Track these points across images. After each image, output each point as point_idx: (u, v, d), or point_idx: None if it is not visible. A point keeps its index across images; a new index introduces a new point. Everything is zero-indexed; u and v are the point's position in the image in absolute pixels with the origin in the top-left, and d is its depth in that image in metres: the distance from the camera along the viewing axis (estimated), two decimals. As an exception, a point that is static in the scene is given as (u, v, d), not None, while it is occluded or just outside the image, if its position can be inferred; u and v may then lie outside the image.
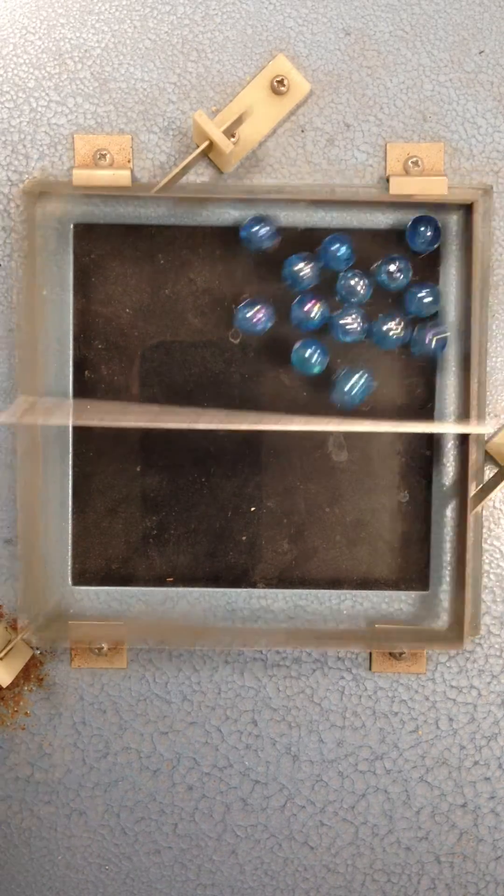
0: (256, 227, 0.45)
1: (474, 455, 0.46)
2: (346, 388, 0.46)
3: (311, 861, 0.50)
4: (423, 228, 0.46)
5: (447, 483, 0.49)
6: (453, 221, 0.47)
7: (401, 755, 0.49)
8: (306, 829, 0.50)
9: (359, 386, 0.46)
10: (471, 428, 0.46)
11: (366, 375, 0.46)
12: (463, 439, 0.48)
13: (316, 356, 0.46)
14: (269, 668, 0.49)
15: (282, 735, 0.49)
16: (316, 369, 0.46)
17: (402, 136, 0.48)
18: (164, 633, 0.49)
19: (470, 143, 0.47)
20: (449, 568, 0.49)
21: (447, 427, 0.48)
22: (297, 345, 0.46)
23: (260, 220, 0.46)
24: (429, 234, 0.46)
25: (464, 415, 0.47)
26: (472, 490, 0.46)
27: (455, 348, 0.48)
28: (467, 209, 0.47)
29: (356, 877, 0.50)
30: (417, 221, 0.46)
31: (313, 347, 0.46)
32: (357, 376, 0.46)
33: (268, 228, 0.45)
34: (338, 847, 0.50)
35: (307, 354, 0.46)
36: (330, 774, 0.49)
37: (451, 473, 0.49)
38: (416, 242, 0.46)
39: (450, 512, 0.49)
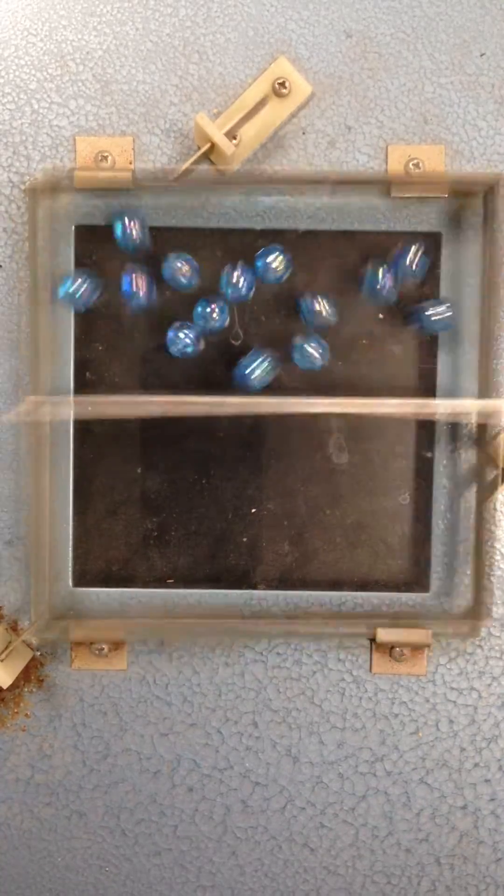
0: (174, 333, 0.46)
1: (495, 442, 0.46)
2: (248, 372, 0.46)
3: (311, 863, 0.50)
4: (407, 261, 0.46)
5: (447, 485, 0.48)
6: (477, 203, 0.47)
7: (401, 757, 0.49)
8: (306, 830, 0.50)
9: (261, 370, 0.46)
10: (494, 405, 0.46)
11: (269, 359, 0.46)
12: (463, 441, 0.48)
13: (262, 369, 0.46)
14: (270, 670, 0.49)
15: (282, 737, 0.49)
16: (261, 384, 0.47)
17: (403, 138, 0.48)
18: (164, 635, 0.49)
19: (471, 145, 0.47)
20: (449, 570, 0.49)
21: (468, 406, 0.48)
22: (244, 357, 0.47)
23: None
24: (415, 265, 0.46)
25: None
26: (474, 491, 0.46)
27: (455, 349, 0.48)
28: (488, 192, 0.46)
29: (356, 878, 0.50)
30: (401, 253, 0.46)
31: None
32: (261, 359, 0.46)
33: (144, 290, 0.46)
34: (338, 849, 0.50)
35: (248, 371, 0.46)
36: (330, 776, 0.49)
37: (452, 475, 0.48)
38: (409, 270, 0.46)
39: (450, 514, 0.49)
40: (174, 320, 0.47)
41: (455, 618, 0.49)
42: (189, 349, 0.46)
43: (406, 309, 0.47)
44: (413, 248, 0.46)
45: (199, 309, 0.46)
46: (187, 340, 0.46)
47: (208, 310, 0.46)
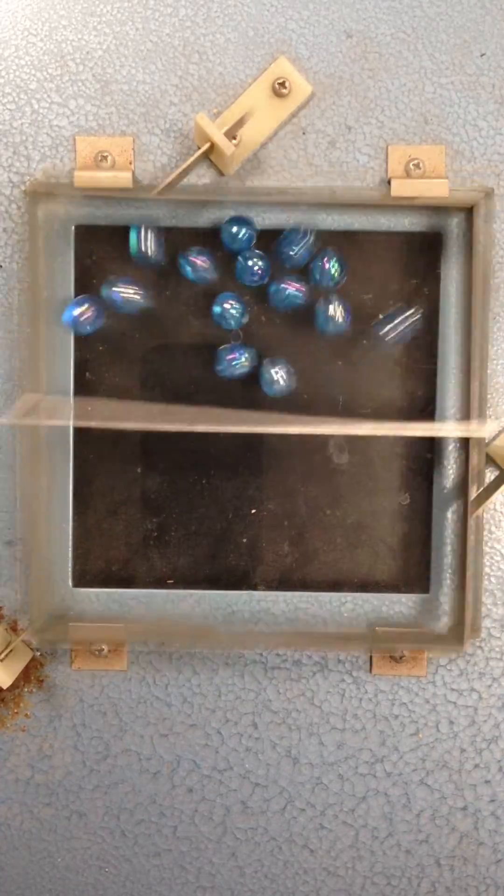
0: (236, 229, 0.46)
1: (475, 458, 0.46)
2: (268, 379, 0.46)
3: (311, 864, 0.50)
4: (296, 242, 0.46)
5: (448, 486, 0.49)
6: (454, 224, 0.47)
7: (401, 758, 0.49)
8: (306, 831, 0.50)
9: (282, 375, 0.46)
10: (471, 430, 0.46)
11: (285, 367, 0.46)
12: (464, 442, 0.48)
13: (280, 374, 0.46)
14: (270, 671, 0.49)
15: (282, 738, 0.49)
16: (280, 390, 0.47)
17: (403, 138, 0.47)
18: (164, 635, 0.49)
19: (471, 145, 0.47)
20: (449, 570, 0.49)
21: (448, 429, 0.48)
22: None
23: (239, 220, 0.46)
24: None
25: (465, 417, 0.47)
26: (473, 493, 0.46)
27: (456, 351, 0.48)
28: (468, 212, 0.47)
29: (356, 880, 0.50)
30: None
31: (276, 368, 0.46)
32: (277, 368, 0.46)
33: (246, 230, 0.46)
34: (338, 850, 0.50)
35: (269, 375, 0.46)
36: (330, 777, 0.49)
37: (452, 476, 0.48)
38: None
39: (450, 514, 0.49)
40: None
41: (441, 639, 0.48)
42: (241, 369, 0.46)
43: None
44: (326, 257, 0.46)
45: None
46: (243, 360, 0.46)
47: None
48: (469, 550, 0.46)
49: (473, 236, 0.46)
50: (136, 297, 0.46)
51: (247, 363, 0.46)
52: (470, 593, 0.46)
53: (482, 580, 0.48)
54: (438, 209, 0.47)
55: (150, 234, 0.46)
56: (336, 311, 0.46)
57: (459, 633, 0.47)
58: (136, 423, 0.48)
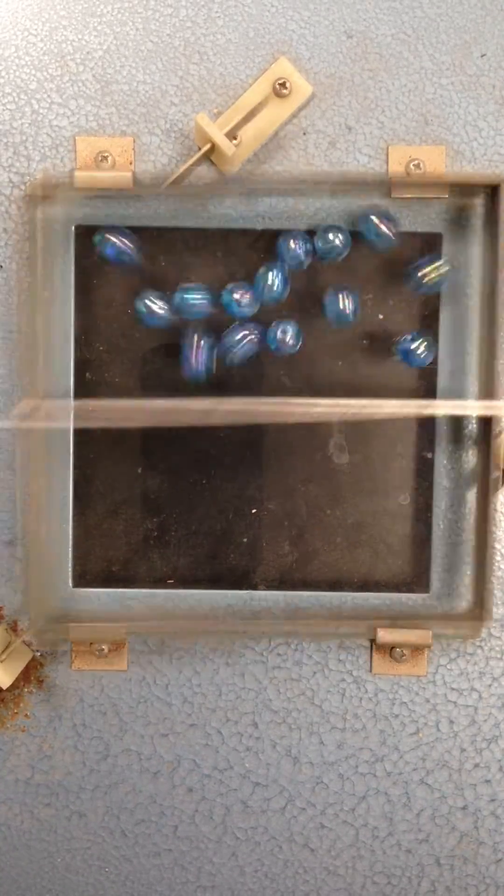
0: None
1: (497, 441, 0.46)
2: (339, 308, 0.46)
3: (311, 863, 0.50)
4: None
5: (448, 486, 0.49)
6: (479, 203, 0.47)
7: (401, 757, 0.49)
8: (306, 831, 0.50)
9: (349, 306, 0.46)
10: (494, 408, 0.46)
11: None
12: (464, 442, 0.48)
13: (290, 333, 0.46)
14: (270, 671, 0.49)
15: (282, 737, 0.49)
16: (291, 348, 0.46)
17: (403, 138, 0.48)
18: (164, 635, 0.49)
19: (472, 146, 0.47)
20: (450, 570, 0.49)
21: (472, 408, 0.48)
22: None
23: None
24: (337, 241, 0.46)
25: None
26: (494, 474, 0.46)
27: (456, 350, 0.48)
28: (491, 192, 0.46)
29: (356, 879, 0.50)
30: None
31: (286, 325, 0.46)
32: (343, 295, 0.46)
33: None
34: (338, 849, 0.50)
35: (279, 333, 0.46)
36: (330, 776, 0.49)
37: (452, 476, 0.48)
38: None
39: (451, 514, 0.49)
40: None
41: (456, 618, 0.49)
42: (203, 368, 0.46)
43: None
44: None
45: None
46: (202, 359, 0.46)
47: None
48: (485, 522, 0.46)
49: (499, 213, 0.45)
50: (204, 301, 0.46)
51: (255, 339, 0.46)
52: (489, 574, 0.46)
53: (493, 566, 0.48)
54: (463, 190, 0.47)
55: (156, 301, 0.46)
56: (345, 303, 0.46)
57: (461, 631, 0.47)
58: (136, 421, 0.48)
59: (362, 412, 0.47)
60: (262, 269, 0.46)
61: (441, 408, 0.48)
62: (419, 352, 0.46)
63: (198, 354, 0.46)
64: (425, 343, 0.46)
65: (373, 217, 0.46)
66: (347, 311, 0.46)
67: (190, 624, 0.48)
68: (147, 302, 0.46)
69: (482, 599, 0.47)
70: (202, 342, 0.46)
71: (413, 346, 0.46)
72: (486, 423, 0.47)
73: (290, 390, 0.48)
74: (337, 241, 0.46)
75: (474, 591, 0.48)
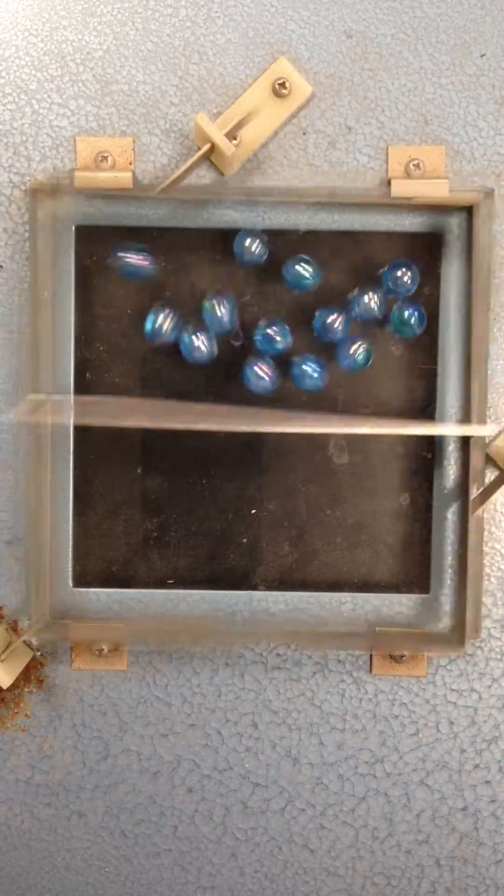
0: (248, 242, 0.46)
1: (475, 458, 0.46)
2: (350, 352, 0.46)
3: (311, 864, 0.50)
4: (399, 272, 0.46)
5: (448, 486, 0.49)
6: (455, 224, 0.47)
7: (401, 758, 0.49)
8: (306, 832, 0.50)
9: (361, 352, 0.46)
10: (472, 430, 0.46)
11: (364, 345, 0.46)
12: (464, 442, 0.48)
13: (310, 270, 0.46)
14: (270, 671, 0.49)
15: (282, 738, 0.49)
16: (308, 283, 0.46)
17: (403, 138, 0.48)
18: (164, 636, 0.49)
19: (471, 146, 0.47)
20: (450, 571, 0.49)
21: (448, 429, 0.48)
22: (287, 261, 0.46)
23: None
24: (406, 279, 0.46)
25: (465, 418, 0.47)
26: (474, 493, 0.46)
27: (456, 351, 0.48)
28: (468, 211, 0.47)
29: (356, 880, 0.50)
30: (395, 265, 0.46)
31: (303, 263, 0.46)
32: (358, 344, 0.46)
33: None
34: (338, 850, 0.50)
35: (299, 267, 0.46)
36: (330, 777, 0.49)
37: (453, 476, 0.48)
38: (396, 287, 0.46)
39: (451, 515, 0.49)
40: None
41: (439, 639, 0.48)
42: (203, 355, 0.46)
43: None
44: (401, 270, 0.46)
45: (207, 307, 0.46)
46: (202, 347, 0.46)
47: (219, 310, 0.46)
48: (470, 550, 0.46)
49: (473, 236, 0.46)
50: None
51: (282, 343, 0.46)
52: (470, 593, 0.46)
53: (482, 580, 0.48)
54: (438, 209, 0.47)
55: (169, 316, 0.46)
56: (372, 300, 0.46)
57: (460, 633, 0.47)
58: (137, 421, 0.48)
59: (361, 432, 0.47)
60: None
61: (441, 430, 0.48)
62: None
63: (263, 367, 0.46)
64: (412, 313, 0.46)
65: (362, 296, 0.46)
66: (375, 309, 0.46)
67: (190, 624, 0.48)
68: (192, 337, 0.46)
69: (461, 623, 0.47)
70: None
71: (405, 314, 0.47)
72: (466, 443, 0.47)
73: (289, 392, 0.48)
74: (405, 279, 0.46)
75: (453, 613, 0.48)
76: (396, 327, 0.47)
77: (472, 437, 0.46)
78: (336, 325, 0.46)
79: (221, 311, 0.45)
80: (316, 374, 0.46)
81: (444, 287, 0.48)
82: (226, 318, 0.46)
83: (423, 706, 0.49)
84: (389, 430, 0.47)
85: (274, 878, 0.50)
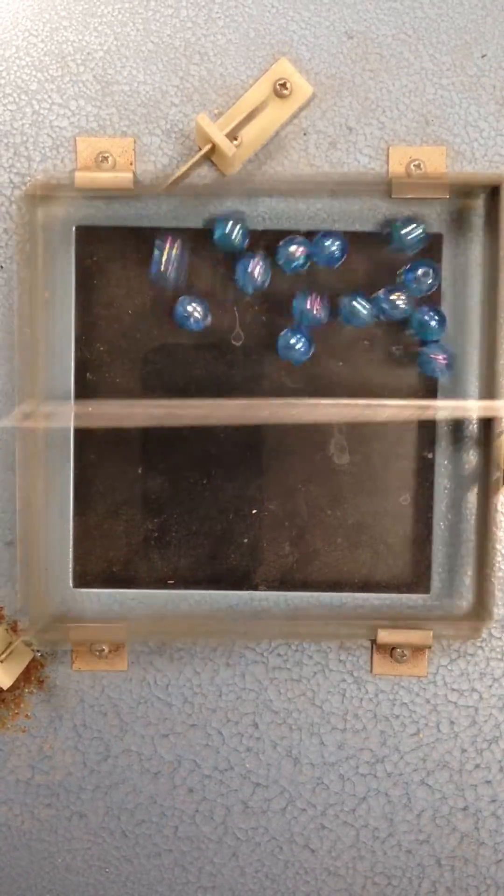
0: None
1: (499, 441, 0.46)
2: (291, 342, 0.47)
3: (311, 864, 0.50)
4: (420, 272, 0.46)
5: (448, 486, 0.48)
6: (479, 205, 0.47)
7: (402, 758, 0.49)
8: (307, 831, 0.50)
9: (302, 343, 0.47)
10: (495, 408, 0.46)
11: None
12: (464, 443, 0.48)
13: (301, 344, 0.46)
14: (270, 671, 0.49)
15: (283, 738, 0.49)
16: (302, 357, 0.47)
17: (404, 139, 0.48)
18: (165, 636, 0.49)
19: (472, 146, 0.47)
20: (450, 571, 0.49)
21: (470, 407, 0.48)
22: (282, 333, 0.47)
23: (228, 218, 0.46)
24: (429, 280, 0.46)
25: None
26: (494, 476, 0.46)
27: (456, 350, 0.48)
28: (493, 191, 0.46)
29: (357, 880, 0.50)
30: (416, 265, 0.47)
31: (298, 336, 0.46)
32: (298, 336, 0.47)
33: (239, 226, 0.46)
34: (338, 850, 0.50)
35: (292, 342, 0.46)
36: (331, 777, 0.49)
37: (453, 476, 0.48)
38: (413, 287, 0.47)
39: (451, 515, 0.49)
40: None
41: (456, 619, 0.49)
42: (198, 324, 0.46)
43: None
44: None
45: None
46: (196, 314, 0.46)
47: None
48: (486, 523, 0.46)
49: (500, 215, 0.45)
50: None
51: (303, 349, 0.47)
52: (488, 575, 0.46)
53: (494, 567, 0.48)
54: (464, 186, 0.47)
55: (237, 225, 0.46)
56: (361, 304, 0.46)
57: (479, 614, 0.47)
58: (137, 420, 0.48)
59: (363, 414, 0.47)
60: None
61: (442, 409, 0.48)
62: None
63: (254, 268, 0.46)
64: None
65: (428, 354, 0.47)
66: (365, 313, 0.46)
67: (190, 624, 0.48)
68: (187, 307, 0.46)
69: (483, 600, 0.47)
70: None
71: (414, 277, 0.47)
72: (487, 423, 0.47)
73: (291, 391, 0.48)
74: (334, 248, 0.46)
75: (475, 591, 0.48)
76: (418, 330, 0.47)
77: (494, 417, 0.46)
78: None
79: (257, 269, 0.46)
80: (366, 310, 0.47)
81: (444, 287, 0.48)
82: (258, 280, 0.46)
83: (424, 706, 0.49)
84: (411, 408, 0.47)
85: (275, 878, 0.50)
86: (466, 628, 0.48)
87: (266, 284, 0.47)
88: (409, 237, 0.46)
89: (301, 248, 0.46)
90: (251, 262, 0.46)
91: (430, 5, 0.47)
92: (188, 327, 0.47)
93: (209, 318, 0.47)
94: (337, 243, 0.46)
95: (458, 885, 0.50)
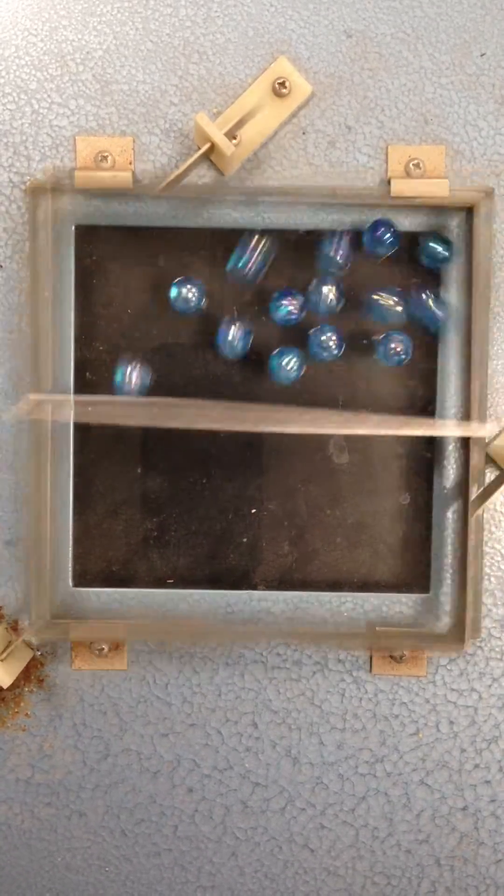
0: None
1: (475, 457, 0.46)
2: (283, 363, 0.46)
3: (311, 864, 0.50)
4: (381, 232, 0.46)
5: (448, 486, 0.49)
6: (455, 224, 0.47)
7: (401, 758, 0.49)
8: (306, 831, 0.50)
9: (294, 363, 0.46)
10: (472, 430, 0.46)
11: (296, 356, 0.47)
12: (464, 442, 0.48)
13: (293, 363, 0.46)
14: (270, 671, 0.49)
15: (282, 737, 0.49)
16: (293, 376, 0.46)
17: (403, 138, 0.47)
18: (164, 635, 0.49)
19: (471, 145, 0.47)
20: (450, 570, 0.49)
21: (448, 429, 0.48)
22: (274, 352, 0.46)
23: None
24: (388, 238, 0.46)
25: (465, 417, 0.47)
26: (474, 493, 0.46)
27: (456, 351, 0.48)
28: (468, 212, 0.47)
29: (356, 880, 0.50)
30: (376, 224, 0.46)
31: (290, 355, 0.46)
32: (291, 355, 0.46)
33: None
34: (338, 850, 0.50)
35: (284, 362, 0.46)
36: (330, 777, 0.49)
37: (452, 476, 0.48)
38: (376, 248, 0.46)
39: (451, 514, 0.49)
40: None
41: (439, 639, 0.48)
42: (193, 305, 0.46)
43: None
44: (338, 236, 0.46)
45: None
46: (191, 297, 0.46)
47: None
48: (469, 550, 0.46)
49: (473, 236, 0.46)
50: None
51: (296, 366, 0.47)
52: (470, 593, 0.46)
53: (482, 580, 0.48)
54: (438, 209, 0.47)
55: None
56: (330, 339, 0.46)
57: (460, 633, 0.47)
58: (137, 420, 0.48)
59: (361, 430, 0.47)
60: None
61: (442, 428, 0.48)
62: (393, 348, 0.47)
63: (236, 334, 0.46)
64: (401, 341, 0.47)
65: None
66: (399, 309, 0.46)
67: (190, 624, 0.48)
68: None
69: (461, 622, 0.47)
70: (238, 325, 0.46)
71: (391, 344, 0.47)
72: (467, 443, 0.47)
73: (289, 394, 0.48)
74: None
75: (471, 591, 0.48)
76: (383, 356, 0.47)
77: (472, 436, 0.46)
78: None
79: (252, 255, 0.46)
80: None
81: (445, 286, 0.48)
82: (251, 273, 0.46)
83: (423, 706, 0.49)
84: (390, 428, 0.47)
85: (274, 878, 0.50)
86: (451, 650, 0.47)
87: (247, 349, 0.47)
88: (438, 255, 0.46)
89: (294, 302, 0.46)
90: (231, 327, 0.46)
91: (429, 4, 0.47)
92: (184, 310, 0.47)
93: (204, 301, 0.47)
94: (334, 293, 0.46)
95: (458, 884, 0.50)
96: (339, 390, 0.48)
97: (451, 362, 0.48)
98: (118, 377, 0.46)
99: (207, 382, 0.48)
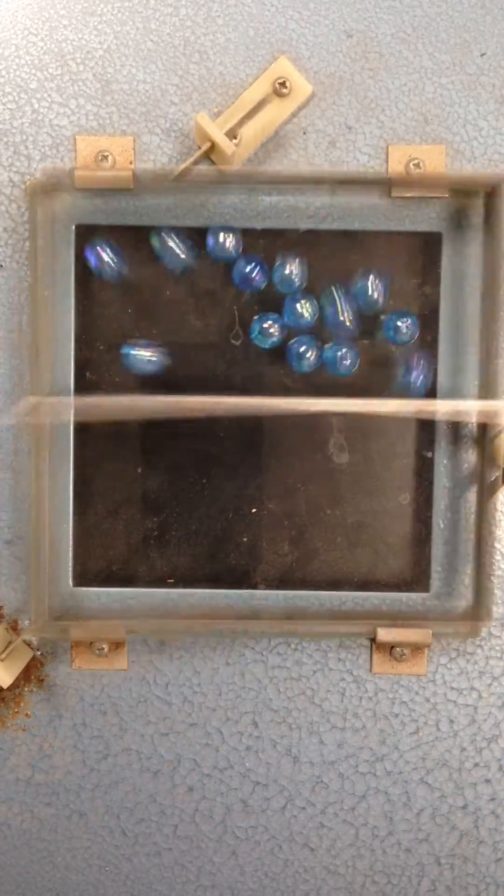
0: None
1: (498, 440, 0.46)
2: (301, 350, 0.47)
3: (311, 862, 0.50)
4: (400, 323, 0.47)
5: (448, 485, 0.49)
6: (478, 204, 0.47)
7: (401, 757, 0.49)
8: (306, 830, 0.50)
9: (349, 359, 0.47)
10: (495, 405, 0.46)
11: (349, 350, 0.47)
12: (461, 441, 0.48)
13: (310, 352, 0.46)
14: (270, 670, 0.49)
15: (282, 736, 0.49)
16: (305, 366, 0.47)
17: (403, 138, 0.48)
18: (164, 634, 0.49)
19: (472, 145, 0.47)
20: (449, 570, 0.49)
21: (469, 406, 0.48)
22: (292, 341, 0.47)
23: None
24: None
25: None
26: (491, 475, 0.46)
27: (456, 351, 0.48)
28: (466, 213, 0.46)
29: (356, 878, 0.50)
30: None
31: (307, 343, 0.46)
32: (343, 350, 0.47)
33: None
34: (338, 849, 0.50)
35: (301, 350, 0.46)
36: (330, 776, 0.49)
37: (452, 476, 0.48)
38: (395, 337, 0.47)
39: (451, 514, 0.49)
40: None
41: (455, 618, 0.49)
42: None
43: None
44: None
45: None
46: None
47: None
48: (485, 522, 0.46)
49: (489, 220, 0.45)
50: None
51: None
52: (484, 577, 0.46)
53: (493, 566, 0.48)
54: (460, 192, 0.47)
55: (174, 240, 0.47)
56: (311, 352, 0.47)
57: (477, 613, 0.47)
58: (137, 414, 0.48)
59: (361, 410, 0.47)
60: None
61: (441, 408, 0.48)
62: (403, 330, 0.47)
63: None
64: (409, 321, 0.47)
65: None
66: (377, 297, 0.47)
67: (190, 623, 0.48)
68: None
69: (482, 599, 0.47)
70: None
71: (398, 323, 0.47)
72: (464, 442, 0.47)
73: (290, 390, 0.48)
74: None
75: (474, 590, 0.48)
76: (390, 336, 0.47)
77: (489, 423, 0.46)
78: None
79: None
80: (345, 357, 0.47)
81: (444, 286, 0.48)
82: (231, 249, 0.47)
83: (424, 705, 0.49)
84: (404, 407, 0.47)
85: (274, 877, 0.50)
86: (466, 627, 0.48)
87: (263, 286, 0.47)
88: (402, 329, 0.47)
89: (275, 326, 0.47)
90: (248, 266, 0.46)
91: (429, 4, 0.47)
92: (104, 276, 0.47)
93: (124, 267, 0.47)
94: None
95: (458, 883, 0.50)
96: (342, 385, 0.48)
97: (449, 363, 0.48)
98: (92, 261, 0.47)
99: (208, 382, 0.48)
